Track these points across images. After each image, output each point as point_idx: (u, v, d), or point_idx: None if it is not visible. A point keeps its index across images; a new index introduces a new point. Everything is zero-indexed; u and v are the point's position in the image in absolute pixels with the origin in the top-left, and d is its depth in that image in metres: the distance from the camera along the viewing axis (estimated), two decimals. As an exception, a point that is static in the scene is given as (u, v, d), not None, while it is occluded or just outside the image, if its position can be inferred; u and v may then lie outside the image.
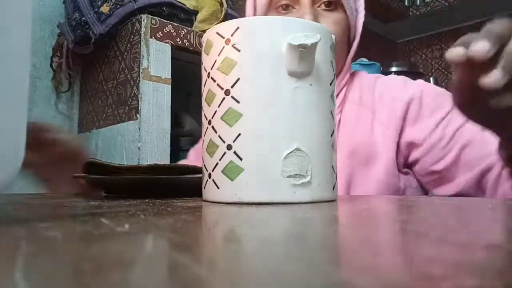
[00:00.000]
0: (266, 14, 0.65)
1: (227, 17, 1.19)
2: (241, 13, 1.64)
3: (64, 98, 1.24)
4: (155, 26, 0.99)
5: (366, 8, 0.69)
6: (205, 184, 0.29)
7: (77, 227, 0.18)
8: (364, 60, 1.76)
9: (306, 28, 0.28)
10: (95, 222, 0.19)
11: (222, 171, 0.27)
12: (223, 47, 0.27)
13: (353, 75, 0.70)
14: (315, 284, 0.08)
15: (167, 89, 1.00)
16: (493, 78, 0.26)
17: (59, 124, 1.23)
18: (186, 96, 1.51)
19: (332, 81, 0.30)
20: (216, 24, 1.25)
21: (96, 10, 1.04)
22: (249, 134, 0.26)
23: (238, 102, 0.27)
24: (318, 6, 0.61)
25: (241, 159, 0.26)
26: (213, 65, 0.28)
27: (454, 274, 0.09)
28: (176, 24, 1.04)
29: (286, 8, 0.62)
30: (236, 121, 0.26)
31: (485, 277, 0.09)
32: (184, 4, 1.10)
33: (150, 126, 0.96)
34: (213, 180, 0.28)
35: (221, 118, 0.27)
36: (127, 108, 1.00)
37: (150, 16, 0.99)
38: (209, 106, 0.28)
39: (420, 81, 0.66)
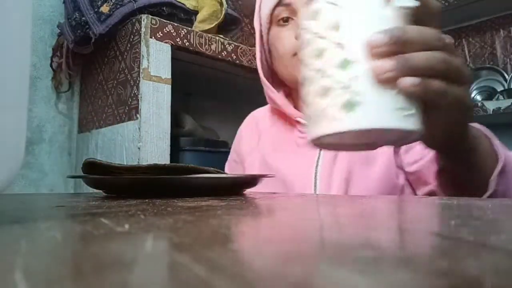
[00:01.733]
0: (269, 28, 0.68)
1: (227, 17, 1.19)
2: (241, 13, 1.65)
3: (64, 98, 1.24)
4: (155, 26, 0.99)
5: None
6: (319, 121, 0.31)
7: (77, 227, 0.18)
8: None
9: None
10: (95, 222, 0.19)
11: (340, 107, 0.30)
12: (332, 8, 0.31)
13: None
14: (316, 285, 0.08)
15: (167, 89, 1.00)
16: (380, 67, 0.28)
17: (59, 124, 1.23)
18: (186, 96, 1.51)
19: None
20: (216, 24, 1.24)
21: (96, 10, 1.04)
22: (363, 76, 0.29)
23: (350, 52, 0.30)
24: None
25: (358, 95, 0.29)
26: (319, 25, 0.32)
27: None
28: (176, 24, 1.04)
29: (286, 20, 0.66)
30: (350, 66, 0.30)
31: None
32: (184, 4, 1.10)
33: (150, 126, 0.96)
34: (330, 115, 0.30)
35: (335, 66, 0.30)
36: (127, 108, 1.00)
37: (150, 16, 0.99)
38: (321, 58, 0.31)
39: None
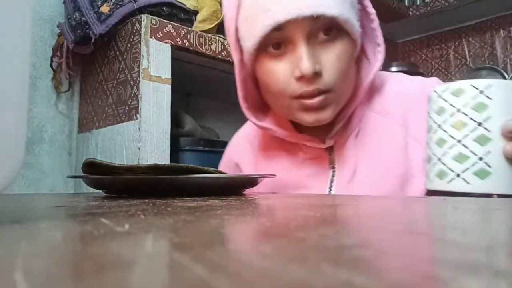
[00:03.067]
0: (255, 59, 0.54)
1: (227, 17, 1.19)
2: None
3: (64, 98, 1.24)
4: (155, 26, 0.99)
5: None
6: (450, 180, 0.41)
7: (77, 227, 0.18)
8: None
9: None
10: (95, 222, 0.19)
11: (473, 173, 0.39)
12: (477, 95, 0.40)
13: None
14: (316, 285, 0.08)
15: (167, 89, 1.00)
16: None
17: (59, 124, 1.23)
18: (186, 96, 1.51)
19: None
20: (216, 24, 1.24)
21: (96, 10, 1.04)
22: (497, 152, 0.39)
23: (488, 131, 0.39)
24: (316, 38, 0.50)
25: (490, 167, 0.39)
26: (465, 105, 0.41)
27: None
28: (176, 24, 1.04)
29: (278, 47, 0.51)
30: (487, 143, 0.39)
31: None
32: (184, 4, 1.10)
33: (150, 126, 0.96)
34: (463, 178, 0.40)
35: (473, 140, 0.40)
36: (127, 108, 1.00)
37: (150, 16, 0.99)
38: (459, 131, 0.41)
39: (434, 79, 0.60)
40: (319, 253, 0.12)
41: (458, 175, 0.40)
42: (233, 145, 0.73)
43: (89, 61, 1.20)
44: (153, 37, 0.98)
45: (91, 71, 1.19)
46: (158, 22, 1.00)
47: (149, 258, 0.11)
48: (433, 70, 2.43)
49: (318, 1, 0.48)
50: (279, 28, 0.49)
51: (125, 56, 1.03)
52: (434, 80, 0.60)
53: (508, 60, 2.16)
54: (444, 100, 0.42)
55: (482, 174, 0.38)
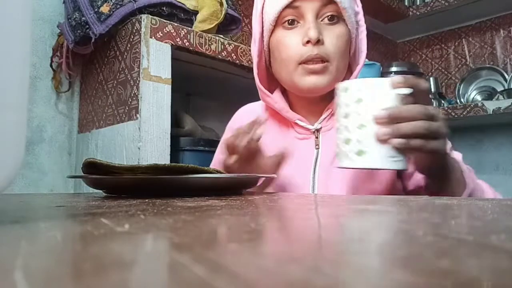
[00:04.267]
0: (272, 30, 0.67)
1: (227, 17, 1.19)
2: (241, 13, 1.65)
3: (64, 98, 1.24)
4: (155, 26, 0.99)
5: (366, 8, 0.70)
6: (340, 156, 0.52)
7: (77, 227, 0.18)
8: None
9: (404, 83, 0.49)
10: (95, 222, 0.19)
11: (355, 153, 0.49)
12: (356, 91, 0.50)
13: None
14: (316, 285, 0.08)
15: (167, 89, 1.00)
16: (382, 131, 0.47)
17: (59, 124, 1.23)
18: (186, 96, 1.51)
19: None
20: (216, 24, 1.24)
21: (96, 10, 1.04)
22: (369, 135, 0.48)
23: (364, 119, 0.49)
24: (322, 20, 0.64)
25: (366, 147, 0.49)
26: (349, 99, 0.51)
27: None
28: (176, 24, 1.04)
29: (292, 23, 0.65)
30: (362, 128, 0.49)
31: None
32: (184, 4, 1.10)
33: (150, 126, 0.96)
34: (350, 157, 0.50)
35: (355, 127, 0.49)
36: (127, 108, 1.00)
37: (150, 16, 0.99)
38: (346, 119, 0.51)
39: None
40: (319, 253, 0.12)
41: (347, 155, 0.50)
42: (236, 115, 0.83)
43: (89, 61, 1.20)
44: (153, 37, 0.98)
45: (91, 71, 1.19)
46: (158, 22, 1.00)
47: (149, 258, 0.11)
48: (433, 70, 2.43)
49: None
50: (294, 6, 0.63)
51: (125, 56, 1.03)
52: None
53: (508, 60, 2.16)
54: (338, 96, 0.53)
55: (360, 153, 0.49)
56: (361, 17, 0.69)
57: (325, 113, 0.69)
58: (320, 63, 0.63)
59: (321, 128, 0.69)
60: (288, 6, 0.64)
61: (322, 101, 0.69)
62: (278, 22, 0.66)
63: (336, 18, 0.64)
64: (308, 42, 0.62)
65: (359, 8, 0.69)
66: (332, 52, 0.63)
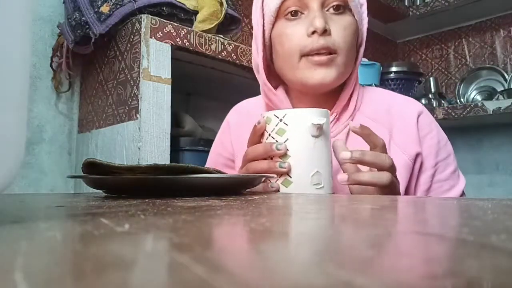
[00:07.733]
0: (274, 21, 0.63)
1: (227, 17, 1.19)
2: (241, 13, 1.64)
3: (64, 98, 1.24)
4: (155, 26, 0.99)
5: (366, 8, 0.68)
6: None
7: (77, 227, 0.18)
8: (364, 60, 1.76)
9: (319, 114, 0.52)
10: (95, 222, 0.19)
11: (281, 183, 0.52)
12: (278, 123, 0.52)
13: (362, 88, 0.70)
14: (316, 285, 0.08)
15: (167, 89, 1.00)
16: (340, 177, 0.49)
17: (59, 124, 1.23)
18: (186, 96, 1.51)
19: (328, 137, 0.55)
20: (216, 24, 1.24)
21: (96, 10, 1.04)
22: (295, 166, 0.51)
23: (288, 150, 0.51)
24: (327, 10, 0.61)
25: (290, 177, 0.52)
26: (272, 130, 0.53)
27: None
28: (176, 24, 1.04)
29: (295, 14, 0.61)
30: (287, 159, 0.52)
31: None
32: (184, 4, 1.10)
33: (150, 126, 0.96)
34: (282, 184, 0.52)
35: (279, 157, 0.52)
36: (127, 108, 1.00)
37: (150, 16, 0.99)
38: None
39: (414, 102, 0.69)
40: (320, 253, 0.12)
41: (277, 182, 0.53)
42: (231, 113, 0.81)
43: (89, 61, 1.20)
44: (153, 37, 0.98)
45: (91, 71, 1.19)
46: (158, 22, 1.00)
47: (149, 258, 0.11)
48: (433, 70, 2.43)
49: None
50: None
51: (125, 56, 1.03)
52: (415, 102, 0.70)
53: (508, 60, 2.16)
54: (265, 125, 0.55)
55: (286, 183, 0.51)
56: (364, 9, 0.66)
57: (331, 116, 0.65)
58: (326, 54, 0.59)
59: None
60: None
61: (326, 102, 0.65)
62: (280, 14, 0.62)
63: (342, 8, 0.61)
64: (313, 32, 0.58)
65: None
66: (340, 43, 0.59)
